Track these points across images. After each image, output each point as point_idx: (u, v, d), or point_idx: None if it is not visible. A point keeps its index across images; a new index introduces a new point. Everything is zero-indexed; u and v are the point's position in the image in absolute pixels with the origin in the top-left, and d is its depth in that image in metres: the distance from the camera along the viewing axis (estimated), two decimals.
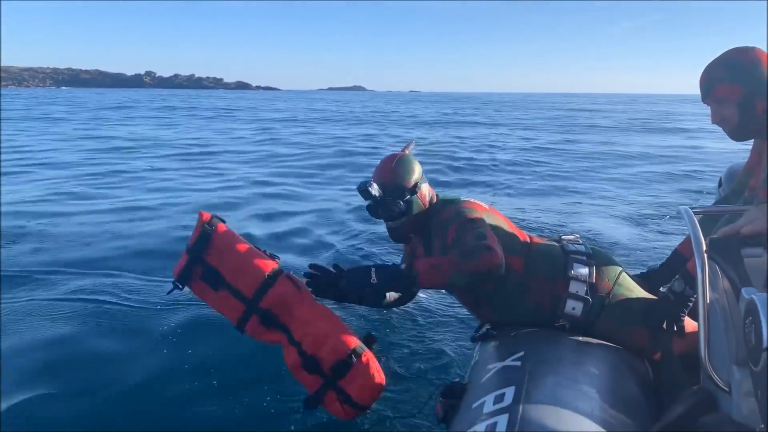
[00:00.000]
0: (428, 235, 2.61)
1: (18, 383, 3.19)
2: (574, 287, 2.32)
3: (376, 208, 2.61)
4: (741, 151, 2.55)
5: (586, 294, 2.31)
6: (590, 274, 2.36)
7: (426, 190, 2.64)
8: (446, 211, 2.51)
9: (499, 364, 2.05)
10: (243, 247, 2.56)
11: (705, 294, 1.58)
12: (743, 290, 1.23)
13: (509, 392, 1.81)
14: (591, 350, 2.13)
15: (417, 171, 2.62)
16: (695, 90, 2.26)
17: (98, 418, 2.96)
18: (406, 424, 2.81)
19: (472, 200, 2.60)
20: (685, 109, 54.33)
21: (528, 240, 2.53)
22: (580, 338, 2.23)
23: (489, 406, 1.78)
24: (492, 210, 2.63)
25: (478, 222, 2.38)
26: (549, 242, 2.58)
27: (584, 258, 2.41)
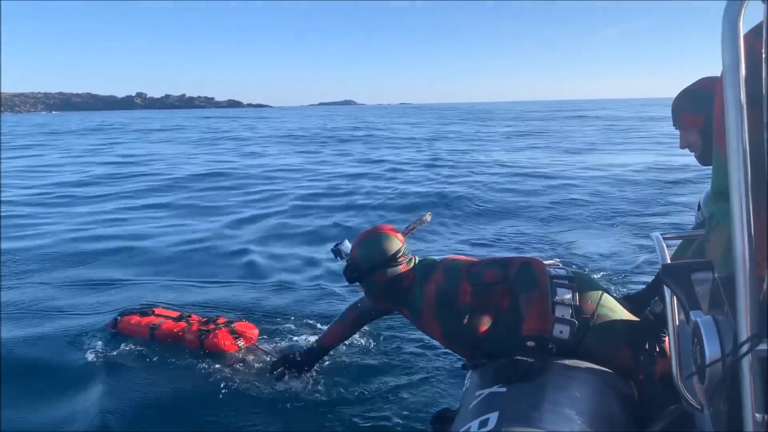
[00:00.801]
0: (412, 305, 2.71)
1: None
2: (560, 311, 2.38)
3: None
4: None
5: (572, 317, 2.37)
6: (573, 297, 2.42)
7: (391, 272, 2.70)
8: (434, 279, 2.61)
9: (486, 391, 2.12)
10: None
11: (674, 316, 1.65)
12: (691, 313, 1.29)
13: (493, 417, 1.88)
14: (575, 374, 2.19)
15: (388, 252, 2.69)
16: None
17: None
18: None
19: (445, 257, 2.74)
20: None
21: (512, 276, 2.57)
22: (566, 361, 2.28)
23: (474, 429, 1.86)
24: (459, 257, 2.75)
25: (479, 263, 2.54)
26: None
27: (566, 282, 2.47)
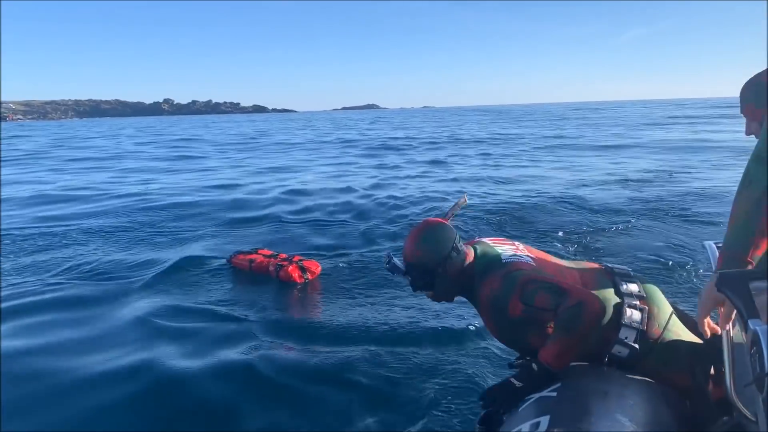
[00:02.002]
0: (474, 297, 2.52)
1: None
2: (624, 333, 2.27)
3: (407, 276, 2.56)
4: None
5: (635, 342, 2.27)
6: (642, 320, 2.29)
7: (457, 260, 2.49)
8: (491, 281, 2.39)
9: (536, 395, 2.13)
10: None
11: (728, 328, 1.65)
12: (749, 322, 1.29)
13: (544, 421, 1.88)
14: (628, 383, 2.17)
15: (445, 243, 2.47)
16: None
17: None
18: None
19: (513, 257, 2.46)
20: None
21: (577, 278, 2.44)
22: (618, 372, 2.26)
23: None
24: (530, 251, 2.55)
25: (538, 282, 2.29)
26: (600, 274, 2.48)
27: (637, 303, 2.33)
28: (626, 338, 2.26)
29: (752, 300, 1.37)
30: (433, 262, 2.46)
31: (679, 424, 2.06)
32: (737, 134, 21.47)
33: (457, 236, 2.53)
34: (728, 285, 1.48)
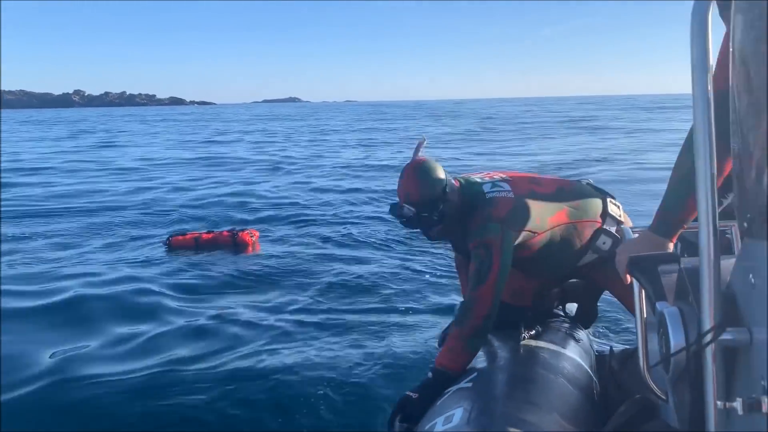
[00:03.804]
0: (463, 234, 2.55)
1: None
2: (608, 223, 2.60)
3: (410, 223, 2.52)
4: None
5: (617, 232, 2.58)
6: (621, 212, 2.68)
7: (453, 191, 2.51)
8: (475, 218, 2.48)
9: (454, 387, 2.15)
10: None
11: (641, 309, 1.69)
12: (657, 304, 1.33)
13: (458, 413, 1.90)
14: (541, 368, 2.24)
15: (441, 174, 2.48)
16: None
17: None
18: None
19: (493, 189, 2.53)
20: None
21: (563, 187, 2.69)
22: (532, 344, 2.38)
23: (439, 427, 1.88)
24: (503, 173, 2.65)
25: (490, 248, 2.37)
26: (579, 184, 2.77)
27: (614, 198, 2.72)
28: (610, 227, 2.59)
29: (660, 283, 1.41)
30: (438, 191, 2.45)
31: (591, 402, 2.13)
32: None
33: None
34: (638, 268, 1.52)
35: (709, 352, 1.08)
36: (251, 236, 7.93)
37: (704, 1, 1.07)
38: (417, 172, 2.48)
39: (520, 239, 2.46)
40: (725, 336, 1.05)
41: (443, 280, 6.07)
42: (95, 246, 8.04)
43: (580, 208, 2.58)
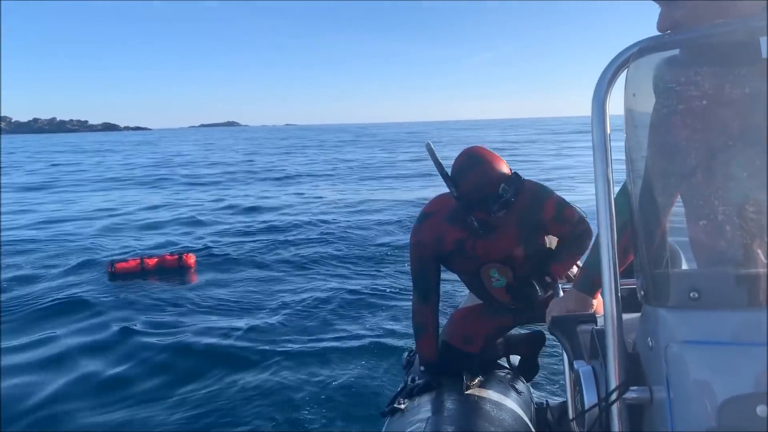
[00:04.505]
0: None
1: None
2: None
3: (507, 204, 2.36)
4: None
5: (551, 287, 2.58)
6: None
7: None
8: (549, 203, 2.51)
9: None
10: None
11: (571, 364, 1.70)
12: (575, 363, 1.41)
13: None
14: (484, 421, 2.19)
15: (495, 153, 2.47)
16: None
17: None
18: None
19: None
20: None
21: None
22: (479, 401, 2.32)
23: None
24: None
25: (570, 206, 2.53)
26: None
27: None
28: None
29: (579, 342, 1.48)
30: (506, 168, 2.41)
31: None
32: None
33: None
34: (558, 327, 1.61)
35: (614, 409, 1.17)
36: (192, 259, 8.00)
37: (603, 86, 1.17)
38: (489, 154, 2.42)
39: None
40: (629, 394, 1.14)
41: (384, 300, 6.23)
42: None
43: None
